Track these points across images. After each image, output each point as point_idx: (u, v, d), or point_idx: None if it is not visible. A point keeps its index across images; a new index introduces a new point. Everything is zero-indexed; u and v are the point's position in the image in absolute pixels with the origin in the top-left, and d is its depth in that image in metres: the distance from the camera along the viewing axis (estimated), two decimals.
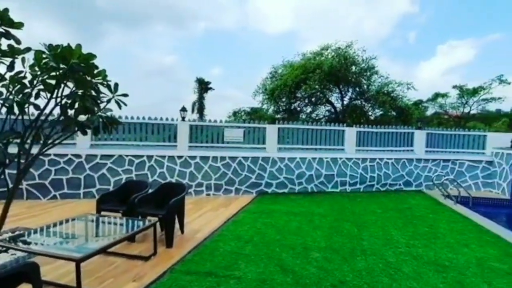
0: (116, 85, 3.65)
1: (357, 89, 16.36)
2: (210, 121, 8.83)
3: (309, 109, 18.31)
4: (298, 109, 17.93)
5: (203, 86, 32.55)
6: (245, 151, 8.54)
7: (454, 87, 34.48)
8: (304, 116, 17.94)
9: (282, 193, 8.66)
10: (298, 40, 36.11)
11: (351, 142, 9.46)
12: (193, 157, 8.08)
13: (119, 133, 8.07)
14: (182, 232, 5.01)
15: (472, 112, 34.30)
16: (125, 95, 3.71)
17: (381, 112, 16.72)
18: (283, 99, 17.10)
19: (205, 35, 42.58)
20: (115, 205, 4.99)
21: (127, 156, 7.67)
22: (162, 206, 4.82)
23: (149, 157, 7.81)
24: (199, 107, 32.15)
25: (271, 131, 8.89)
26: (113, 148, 7.75)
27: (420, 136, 9.87)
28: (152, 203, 5.00)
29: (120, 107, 3.70)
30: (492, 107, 33.14)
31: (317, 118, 18.31)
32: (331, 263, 4.00)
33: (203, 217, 6.14)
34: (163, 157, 7.89)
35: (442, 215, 6.66)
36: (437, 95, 36.18)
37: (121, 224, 4.19)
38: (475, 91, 32.95)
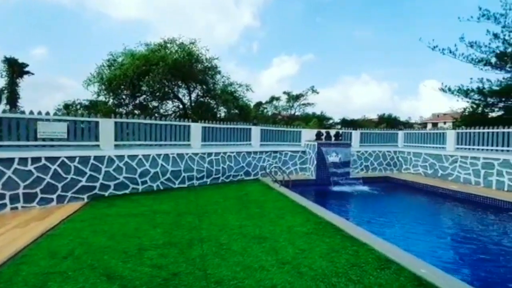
0: None
1: (204, 87, 17.00)
2: (16, 112, 6.75)
3: (156, 104, 17.41)
4: (145, 103, 16.71)
5: (15, 69, 24.95)
6: (70, 150, 7.07)
7: (284, 93, 43.02)
8: (154, 111, 16.95)
9: (123, 194, 7.80)
10: (149, 33, 33.86)
11: (197, 137, 9.72)
12: None
13: None
14: None
15: (297, 113, 43.72)
16: None
17: (225, 110, 18.14)
18: (125, 92, 15.43)
19: (20, 4, 32.54)
20: None
21: None
22: None
23: None
24: (10, 95, 24.46)
25: (106, 126, 7.79)
26: None
27: (255, 131, 11.40)
28: None
29: None
30: (309, 110, 43.63)
31: (166, 113, 17.73)
32: (167, 258, 3.91)
33: (2, 238, 4.62)
34: None
35: (270, 196, 7.92)
36: (272, 98, 43.95)
37: None
38: (297, 97, 42.56)
